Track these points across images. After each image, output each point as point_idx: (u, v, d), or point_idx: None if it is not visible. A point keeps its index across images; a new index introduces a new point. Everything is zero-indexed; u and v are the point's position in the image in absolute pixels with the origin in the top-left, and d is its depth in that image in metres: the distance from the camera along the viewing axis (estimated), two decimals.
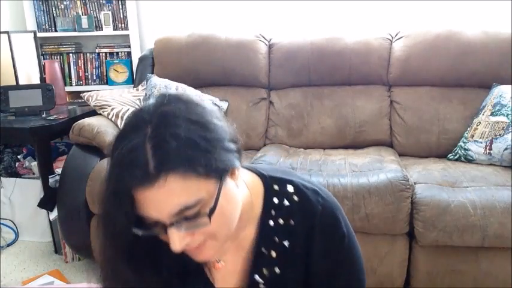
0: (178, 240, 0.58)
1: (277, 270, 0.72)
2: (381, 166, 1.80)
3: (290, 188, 0.73)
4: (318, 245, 0.71)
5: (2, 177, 2.32)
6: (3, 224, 2.35)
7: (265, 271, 0.72)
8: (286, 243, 0.72)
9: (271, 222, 0.72)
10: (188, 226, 0.59)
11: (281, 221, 0.72)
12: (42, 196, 2.12)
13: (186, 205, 0.57)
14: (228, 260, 0.74)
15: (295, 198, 0.72)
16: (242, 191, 0.69)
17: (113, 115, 2.13)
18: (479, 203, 1.56)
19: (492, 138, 1.90)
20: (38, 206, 2.10)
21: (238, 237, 0.73)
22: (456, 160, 1.99)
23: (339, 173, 1.76)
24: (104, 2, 2.66)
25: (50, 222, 2.17)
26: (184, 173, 0.56)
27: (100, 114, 2.17)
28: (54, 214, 2.04)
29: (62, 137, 2.57)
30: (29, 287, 1.91)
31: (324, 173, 1.77)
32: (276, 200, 0.72)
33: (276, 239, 0.72)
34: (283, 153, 2.07)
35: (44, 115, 2.26)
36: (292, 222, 0.72)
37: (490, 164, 1.90)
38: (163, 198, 0.56)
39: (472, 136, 1.96)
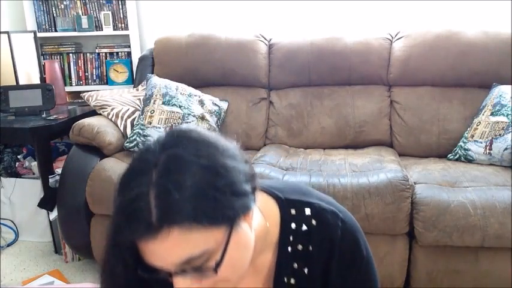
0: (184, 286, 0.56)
1: None
2: (380, 166, 1.80)
3: (308, 211, 0.71)
4: (337, 269, 0.70)
5: (2, 177, 2.32)
6: (3, 224, 2.35)
7: None
8: (305, 270, 0.70)
9: (290, 249, 0.70)
10: (194, 275, 0.56)
11: (300, 247, 0.70)
12: (42, 196, 2.12)
13: (190, 257, 0.54)
14: (246, 287, 0.72)
15: (314, 222, 0.70)
16: (256, 218, 0.66)
17: (113, 115, 2.13)
18: (479, 203, 1.56)
19: (492, 138, 1.90)
20: (38, 206, 2.10)
21: (254, 262, 0.69)
22: (456, 160, 1.99)
23: (339, 173, 1.76)
24: (104, 2, 2.66)
25: (50, 222, 2.17)
26: (189, 225, 0.52)
27: (100, 114, 2.17)
28: (54, 214, 2.04)
29: (62, 137, 2.57)
30: (29, 287, 1.91)
31: (324, 173, 1.77)
32: (293, 226, 0.70)
33: (295, 265, 0.70)
34: (283, 153, 2.07)
35: (44, 115, 2.26)
36: (310, 248, 0.70)
37: (490, 164, 1.90)
38: (167, 250, 0.53)
39: (472, 136, 1.96)
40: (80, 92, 2.40)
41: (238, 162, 0.59)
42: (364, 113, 2.21)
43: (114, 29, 2.67)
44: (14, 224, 2.35)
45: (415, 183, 1.72)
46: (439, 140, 2.10)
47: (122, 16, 2.66)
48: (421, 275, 1.66)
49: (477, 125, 1.97)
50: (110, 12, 2.64)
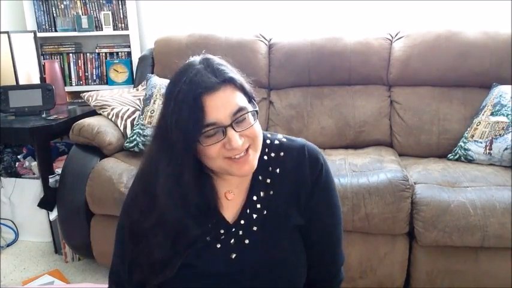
0: (237, 136, 0.78)
1: (271, 192, 0.90)
2: (380, 166, 1.80)
3: (280, 136, 0.94)
4: (307, 171, 0.90)
5: (2, 177, 2.32)
6: (3, 224, 2.35)
7: (261, 194, 0.90)
8: (278, 170, 0.90)
9: (265, 157, 0.91)
10: (240, 126, 0.79)
11: (273, 154, 0.91)
12: (42, 196, 2.12)
13: (240, 106, 0.78)
14: (234, 192, 0.91)
15: (284, 140, 0.93)
16: None
17: (113, 115, 2.13)
18: (479, 203, 1.56)
19: (492, 138, 1.90)
20: (38, 206, 2.10)
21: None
22: (456, 160, 1.99)
23: (339, 173, 1.76)
24: (104, 2, 2.66)
25: (50, 222, 2.17)
26: (235, 87, 0.80)
27: (100, 114, 2.17)
28: (54, 214, 2.04)
29: (62, 137, 2.57)
30: (29, 287, 1.91)
31: None
32: (268, 141, 0.92)
33: (270, 168, 0.90)
34: None
35: (44, 115, 2.26)
36: (282, 154, 0.91)
37: (490, 164, 1.90)
38: (225, 100, 0.77)
39: (472, 136, 1.96)
40: (80, 92, 2.40)
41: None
42: (364, 113, 2.21)
43: (114, 29, 2.67)
44: (14, 224, 2.36)
45: (415, 183, 1.72)
46: (439, 140, 2.10)
47: (122, 16, 2.66)
48: (421, 275, 1.66)
49: (477, 125, 1.97)
50: (110, 12, 2.64)
